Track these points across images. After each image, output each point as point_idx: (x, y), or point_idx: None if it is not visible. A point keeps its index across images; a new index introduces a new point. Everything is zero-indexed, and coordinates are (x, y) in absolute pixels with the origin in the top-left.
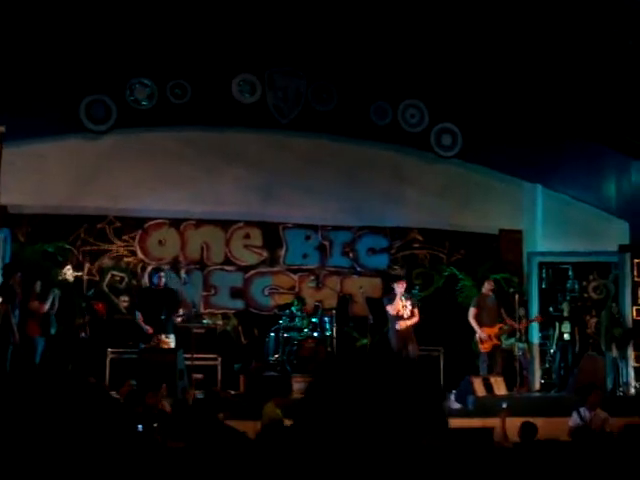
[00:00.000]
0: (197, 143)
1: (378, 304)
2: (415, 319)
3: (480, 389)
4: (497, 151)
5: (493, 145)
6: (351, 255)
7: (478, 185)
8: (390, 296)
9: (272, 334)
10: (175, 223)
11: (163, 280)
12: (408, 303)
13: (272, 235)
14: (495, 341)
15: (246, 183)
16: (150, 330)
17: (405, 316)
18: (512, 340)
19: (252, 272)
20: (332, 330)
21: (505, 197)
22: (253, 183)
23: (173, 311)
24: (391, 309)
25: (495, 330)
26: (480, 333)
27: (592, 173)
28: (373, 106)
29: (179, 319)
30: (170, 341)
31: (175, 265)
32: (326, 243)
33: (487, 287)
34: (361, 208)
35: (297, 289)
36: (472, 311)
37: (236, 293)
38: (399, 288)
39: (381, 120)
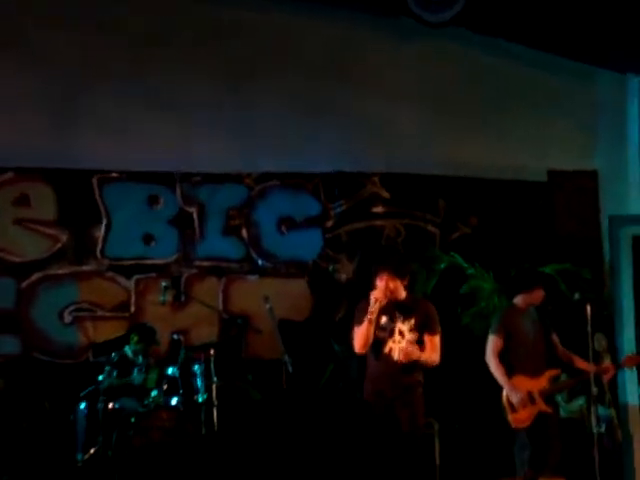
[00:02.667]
0: None
1: (302, 332)
2: (425, 355)
3: None
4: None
5: None
6: (245, 233)
7: (504, 82)
8: (360, 305)
9: (83, 405)
10: None
11: None
12: (405, 325)
13: (78, 197)
14: (542, 406)
15: (20, 87)
16: None
17: (394, 350)
18: (580, 402)
19: (36, 276)
20: (209, 392)
21: (561, 106)
22: (38, 86)
23: None
24: (359, 333)
25: (542, 383)
26: (509, 388)
27: None
28: None
29: None
30: None
31: None
32: (192, 210)
33: (526, 296)
34: (263, 136)
35: (133, 308)
36: (492, 343)
37: (3, 322)
38: (381, 287)
39: None
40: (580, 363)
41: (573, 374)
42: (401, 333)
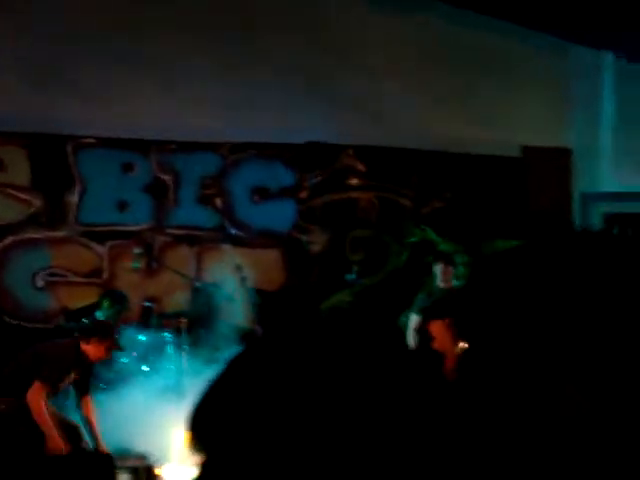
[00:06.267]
0: None
1: (274, 302)
2: None
3: None
4: None
5: None
6: (218, 202)
7: (478, 56)
8: None
9: None
10: None
11: None
12: None
13: (51, 161)
14: None
15: None
16: None
17: None
18: None
19: (9, 240)
20: (180, 360)
21: (535, 81)
22: (16, 49)
23: None
24: None
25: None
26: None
27: None
28: None
29: None
30: None
31: None
32: (166, 178)
33: (439, 273)
34: (239, 103)
35: (106, 275)
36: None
37: None
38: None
39: None
40: None
41: None
42: None
